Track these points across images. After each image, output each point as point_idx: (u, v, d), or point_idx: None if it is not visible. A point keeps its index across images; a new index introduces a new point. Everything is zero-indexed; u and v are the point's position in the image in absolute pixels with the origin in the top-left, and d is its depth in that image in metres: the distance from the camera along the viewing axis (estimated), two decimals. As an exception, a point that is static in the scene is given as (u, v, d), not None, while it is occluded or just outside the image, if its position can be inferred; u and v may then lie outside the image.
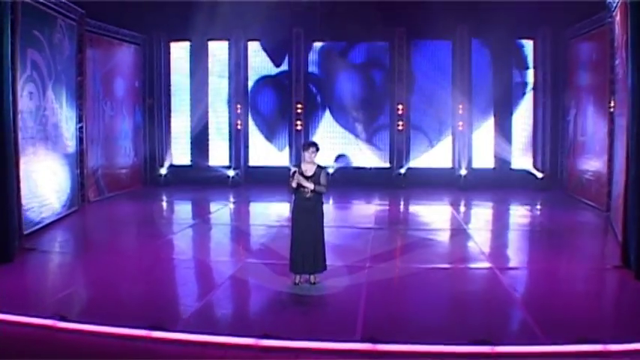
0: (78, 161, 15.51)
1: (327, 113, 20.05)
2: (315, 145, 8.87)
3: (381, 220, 14.67)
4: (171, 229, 13.79)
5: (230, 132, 19.71)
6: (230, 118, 19.83)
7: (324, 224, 8.91)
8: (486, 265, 10.19)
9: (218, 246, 12.38)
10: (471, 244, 11.89)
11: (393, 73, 19.25)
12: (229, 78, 19.76)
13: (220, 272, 9.91)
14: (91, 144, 16.63)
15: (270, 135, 20.26)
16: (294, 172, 8.66)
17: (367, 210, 16.28)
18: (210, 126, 20.14)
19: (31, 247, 11.59)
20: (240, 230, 14.29)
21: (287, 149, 20.05)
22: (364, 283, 9.05)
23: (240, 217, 16.08)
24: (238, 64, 19.67)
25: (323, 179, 8.67)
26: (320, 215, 8.79)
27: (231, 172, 19.46)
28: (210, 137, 20.10)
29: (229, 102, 19.82)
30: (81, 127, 15.63)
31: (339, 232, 12.90)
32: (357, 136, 19.85)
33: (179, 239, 12.61)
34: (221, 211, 16.47)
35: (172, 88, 20.24)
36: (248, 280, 9.42)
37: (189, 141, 20.32)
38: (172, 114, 20.25)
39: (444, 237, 12.85)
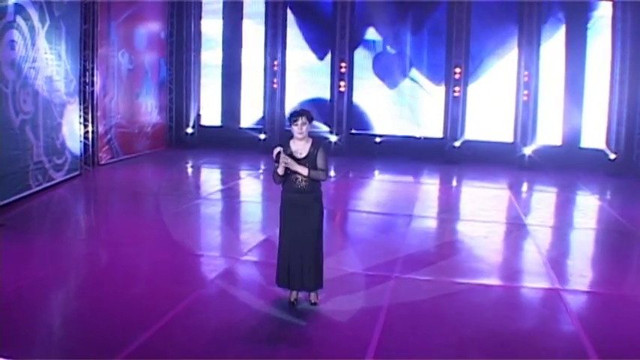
0: (81, 120, 13.59)
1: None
2: (304, 113, 6.45)
3: (424, 206, 12.19)
4: (172, 205, 11.56)
5: (265, 91, 17.42)
6: (266, 75, 17.46)
7: (322, 227, 6.65)
8: (548, 284, 7.76)
9: (214, 233, 10.30)
10: (529, 247, 9.47)
11: (450, 34, 16.54)
12: (266, 27, 17.28)
13: (198, 276, 7.84)
14: (103, 101, 14.70)
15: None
16: (279, 152, 6.31)
17: (410, 190, 13.83)
18: (243, 83, 17.88)
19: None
20: (255, 209, 12.21)
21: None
22: (384, 306, 6.76)
23: (264, 190, 13.71)
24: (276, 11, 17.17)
25: (321, 161, 6.39)
26: (317, 214, 6.52)
27: (262, 135, 17.28)
28: (242, 96, 17.86)
29: (265, 57, 17.43)
30: (85, 82, 13.67)
31: (368, 220, 10.88)
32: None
33: (173, 220, 10.34)
34: (245, 181, 14.60)
35: (203, 40, 18.02)
36: (230, 291, 7.21)
37: (220, 100, 18.16)
38: (203, 70, 18.04)
39: (498, 234, 10.36)
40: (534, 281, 7.89)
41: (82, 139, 13.80)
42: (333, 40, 16.92)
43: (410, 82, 16.98)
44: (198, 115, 17.97)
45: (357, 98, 17.31)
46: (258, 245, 9.06)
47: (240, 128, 17.79)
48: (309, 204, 6.44)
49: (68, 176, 13.12)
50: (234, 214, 11.70)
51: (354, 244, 9.27)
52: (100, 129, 14.80)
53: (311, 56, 17.70)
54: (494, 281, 7.95)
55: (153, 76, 16.91)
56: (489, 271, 8.28)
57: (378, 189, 13.91)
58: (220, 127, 18.10)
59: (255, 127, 17.64)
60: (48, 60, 12.01)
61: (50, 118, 12.29)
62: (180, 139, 17.82)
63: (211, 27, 17.93)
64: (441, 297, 7.22)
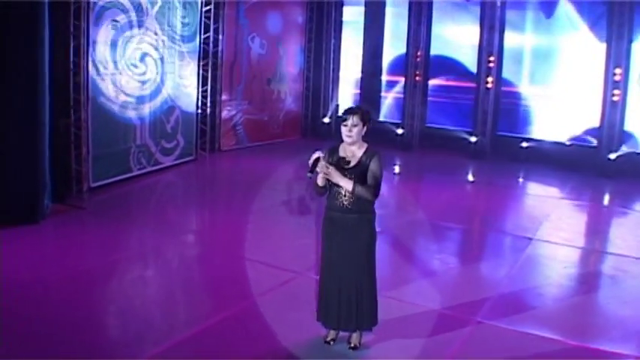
0: (198, 104, 13.31)
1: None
2: (357, 112, 5.13)
3: (553, 227, 9.81)
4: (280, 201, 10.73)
5: (406, 85, 16.18)
6: (408, 67, 16.17)
7: (372, 258, 5.34)
8: None
9: (298, 243, 8.86)
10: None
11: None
12: (410, 17, 15.98)
13: (254, 287, 6.86)
14: (229, 85, 14.32)
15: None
16: (317, 158, 5.04)
17: (542, 205, 11.56)
18: (383, 75, 16.75)
19: (80, 206, 9.73)
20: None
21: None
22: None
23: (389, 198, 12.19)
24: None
25: (372, 175, 5.07)
26: (364, 241, 5.20)
27: (400, 130, 16.10)
28: (383, 89, 16.73)
29: (408, 48, 16.14)
30: (205, 65, 13.35)
31: (472, 238, 9.49)
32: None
33: (259, 221, 9.44)
34: None
35: (344, 26, 17.11)
36: (274, 312, 6.18)
37: (358, 90, 17.20)
38: (342, 58, 17.16)
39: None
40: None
41: (199, 123, 13.43)
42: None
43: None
44: (337, 105, 17.11)
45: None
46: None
47: (379, 121, 16.64)
48: (353, 227, 5.14)
49: (179, 161, 12.90)
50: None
51: (444, 271, 7.77)
52: (224, 114, 14.48)
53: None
54: (626, 350, 5.83)
55: (288, 63, 16.30)
56: (622, 336, 6.08)
57: (503, 200, 12.06)
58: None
59: (393, 121, 16.41)
60: (159, 42, 11.73)
61: (160, 100, 12.04)
62: (316, 129, 17.09)
63: (352, 14, 16.89)
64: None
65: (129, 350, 5.42)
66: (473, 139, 15.18)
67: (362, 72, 16.74)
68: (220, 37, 13.81)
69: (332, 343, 5.49)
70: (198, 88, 13.28)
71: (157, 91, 11.90)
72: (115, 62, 10.74)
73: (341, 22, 16.83)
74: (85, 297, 6.54)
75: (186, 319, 6.22)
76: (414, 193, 12.28)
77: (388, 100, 16.73)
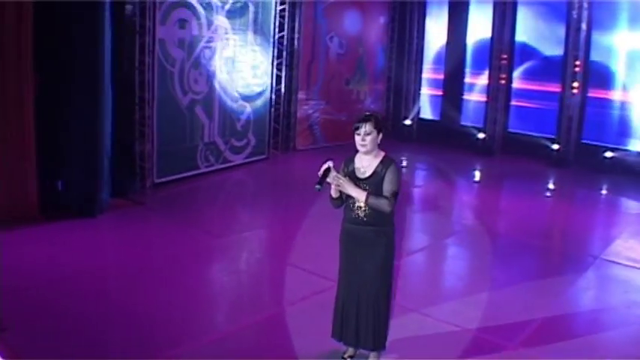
0: (272, 103, 13.34)
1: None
2: (369, 119, 4.89)
3: (625, 246, 8.98)
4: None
5: (489, 88, 15.59)
6: (492, 70, 15.52)
7: (389, 273, 5.06)
8: None
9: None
10: None
11: None
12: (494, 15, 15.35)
13: (279, 296, 6.78)
14: (305, 84, 14.32)
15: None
16: (328, 167, 4.80)
17: (620, 222, 10.79)
18: (466, 77, 16.19)
19: (140, 202, 9.96)
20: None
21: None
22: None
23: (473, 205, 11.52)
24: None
25: (388, 186, 4.81)
26: (381, 254, 4.93)
27: (481, 135, 15.53)
28: (465, 91, 16.18)
29: (491, 48, 15.52)
30: (279, 64, 13.36)
31: (531, 252, 8.78)
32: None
33: (317, 225, 9.06)
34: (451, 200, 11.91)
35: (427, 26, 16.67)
36: (293, 322, 6.09)
37: (440, 92, 16.73)
38: (425, 59, 16.75)
39: None
40: None
41: (272, 122, 13.46)
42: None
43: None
44: (419, 107, 16.73)
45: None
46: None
47: (461, 125, 16.14)
48: (369, 240, 4.92)
49: (250, 160, 12.98)
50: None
51: (490, 289, 7.19)
52: (300, 113, 14.43)
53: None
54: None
55: (368, 63, 16.07)
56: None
57: (577, 213, 11.24)
58: (439, 121, 16.65)
59: (474, 125, 15.86)
60: (229, 40, 11.81)
61: (230, 99, 12.13)
62: (397, 131, 16.76)
63: (436, 14, 16.42)
64: None
65: (140, 350, 5.45)
66: (555, 146, 14.39)
67: (444, 73, 16.25)
68: (297, 36, 13.76)
69: (347, 359, 5.29)
70: (271, 87, 13.30)
71: (226, 90, 11.96)
72: (182, 60, 10.87)
73: (424, 22, 16.39)
74: (113, 291, 6.71)
75: (211, 322, 6.23)
76: (485, 202, 11.75)
77: (470, 102, 16.12)
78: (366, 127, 4.87)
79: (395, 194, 4.84)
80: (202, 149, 11.69)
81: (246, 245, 8.66)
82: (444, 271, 7.92)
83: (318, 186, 4.74)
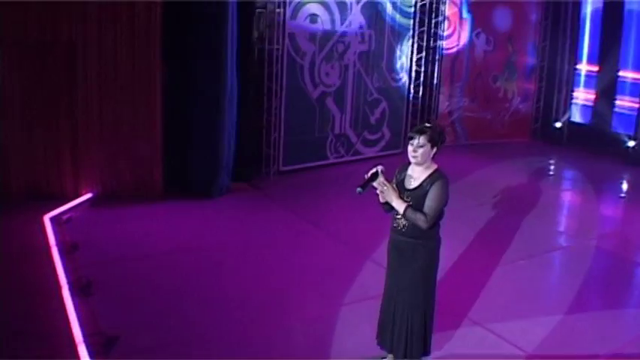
0: (409, 98, 13.41)
1: None
2: (424, 131, 4.77)
3: None
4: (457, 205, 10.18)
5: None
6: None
7: (428, 286, 4.97)
8: None
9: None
10: None
11: None
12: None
13: (345, 292, 6.84)
14: (448, 81, 14.25)
15: None
16: (376, 172, 4.77)
17: None
18: (619, 81, 15.01)
19: (260, 187, 10.59)
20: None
21: None
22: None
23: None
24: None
25: (431, 201, 4.70)
26: (419, 267, 4.86)
27: (631, 143, 14.45)
28: (617, 95, 15.04)
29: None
30: (418, 60, 13.37)
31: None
32: None
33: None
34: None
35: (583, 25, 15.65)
36: (348, 321, 6.17)
37: (593, 95, 15.66)
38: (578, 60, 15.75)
39: None
40: None
41: (410, 117, 13.52)
42: None
43: None
44: (571, 109, 15.86)
45: None
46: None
47: (612, 131, 15.04)
48: (407, 251, 4.85)
49: (383, 153, 13.07)
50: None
51: (581, 312, 6.61)
52: (441, 109, 14.34)
53: None
54: None
55: (518, 61, 15.49)
56: None
57: None
58: (590, 125, 15.67)
59: (623, 132, 14.70)
60: (365, 35, 12.01)
61: (364, 92, 12.34)
62: (546, 133, 15.98)
63: (591, 12, 15.38)
64: None
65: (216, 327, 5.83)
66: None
67: (598, 76, 15.23)
68: (439, 32, 13.64)
69: None
70: (409, 83, 13.32)
71: (360, 84, 12.18)
72: (313, 54, 11.23)
73: (579, 22, 15.43)
74: (206, 268, 7.24)
75: (266, 313, 6.32)
76: (624, 220, 10.58)
77: (623, 107, 14.95)
78: (420, 140, 4.76)
79: (435, 211, 4.71)
80: (332, 140, 12.00)
81: (341, 238, 8.56)
82: (531, 287, 7.29)
83: (359, 189, 4.70)
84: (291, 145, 11.24)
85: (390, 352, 5.21)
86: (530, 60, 15.67)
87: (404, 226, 4.85)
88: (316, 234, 8.67)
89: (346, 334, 5.93)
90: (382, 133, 13.01)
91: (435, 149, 4.81)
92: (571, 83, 15.59)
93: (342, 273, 7.29)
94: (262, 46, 10.52)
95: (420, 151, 4.76)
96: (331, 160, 12.11)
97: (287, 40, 10.73)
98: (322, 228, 8.88)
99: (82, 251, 7.36)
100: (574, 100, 15.74)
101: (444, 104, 14.45)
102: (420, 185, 4.77)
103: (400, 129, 13.38)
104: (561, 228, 9.85)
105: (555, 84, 15.58)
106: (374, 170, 4.77)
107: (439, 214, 4.80)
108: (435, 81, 14.03)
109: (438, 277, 6.75)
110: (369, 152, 12.81)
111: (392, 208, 4.88)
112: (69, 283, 6.26)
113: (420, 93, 13.74)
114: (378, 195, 4.87)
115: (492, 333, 6.04)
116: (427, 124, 4.97)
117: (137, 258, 7.37)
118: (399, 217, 4.85)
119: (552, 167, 13.54)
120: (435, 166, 4.86)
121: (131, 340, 5.50)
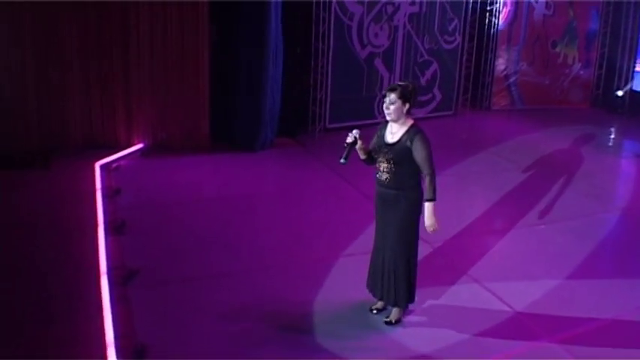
0: (462, 60, 13.54)
1: None
2: (395, 89, 5.06)
3: None
4: (500, 176, 9.97)
5: None
6: None
7: (412, 233, 5.27)
8: None
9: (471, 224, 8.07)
10: None
11: None
12: None
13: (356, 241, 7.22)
14: (505, 44, 14.31)
15: None
16: (353, 140, 5.13)
17: None
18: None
19: (303, 143, 11.08)
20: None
21: None
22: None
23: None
24: None
25: (419, 154, 5.03)
26: (402, 215, 5.18)
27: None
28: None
29: None
30: (473, 21, 13.44)
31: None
32: None
33: (469, 195, 9.13)
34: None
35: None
36: (355, 269, 6.29)
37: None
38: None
39: None
40: None
41: (463, 80, 13.65)
42: None
43: None
44: (633, 78, 15.48)
45: None
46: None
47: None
48: (391, 201, 5.21)
49: (434, 115, 13.28)
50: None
51: (584, 278, 6.57)
52: (497, 73, 14.39)
53: None
54: None
55: (579, 26, 15.22)
56: None
57: None
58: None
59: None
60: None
61: (414, 54, 12.56)
62: (607, 101, 15.66)
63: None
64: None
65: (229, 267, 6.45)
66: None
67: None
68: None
69: (375, 312, 5.61)
70: (462, 45, 13.39)
71: (410, 45, 12.44)
72: (361, 15, 11.54)
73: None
74: (231, 216, 7.85)
75: (275, 257, 6.82)
76: None
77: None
78: (391, 97, 5.06)
79: (428, 161, 5.04)
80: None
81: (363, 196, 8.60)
82: (543, 252, 7.23)
83: (342, 160, 4.99)
84: (338, 103, 11.63)
85: (380, 299, 5.63)
86: (593, 26, 15.35)
87: (386, 179, 5.21)
88: (348, 191, 8.99)
89: (337, 280, 6.32)
90: (433, 94, 13.20)
91: (407, 105, 5.11)
92: (635, 51, 15.20)
93: (357, 227, 7.55)
94: (310, 8, 10.84)
95: (392, 107, 5.07)
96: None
97: (334, 3, 11.04)
98: (356, 186, 9.12)
99: (123, 195, 8.09)
100: (637, 69, 15.34)
101: (499, 67, 14.43)
102: (399, 140, 5.09)
103: (452, 91, 13.54)
104: (597, 198, 9.36)
105: (618, 51, 15.24)
106: (351, 138, 5.14)
107: (431, 163, 5.09)
108: (491, 44, 14.02)
109: (448, 235, 7.24)
110: (419, 113, 12.97)
111: (373, 162, 5.30)
112: (105, 222, 6.93)
113: (474, 55, 13.77)
114: (394, 158, 5.15)
115: (488, 291, 6.19)
116: (399, 82, 5.31)
117: (173, 204, 8.02)
118: (382, 171, 5.24)
119: (609, 136, 13.36)
120: (410, 122, 5.16)
121: (150, 273, 6.12)
